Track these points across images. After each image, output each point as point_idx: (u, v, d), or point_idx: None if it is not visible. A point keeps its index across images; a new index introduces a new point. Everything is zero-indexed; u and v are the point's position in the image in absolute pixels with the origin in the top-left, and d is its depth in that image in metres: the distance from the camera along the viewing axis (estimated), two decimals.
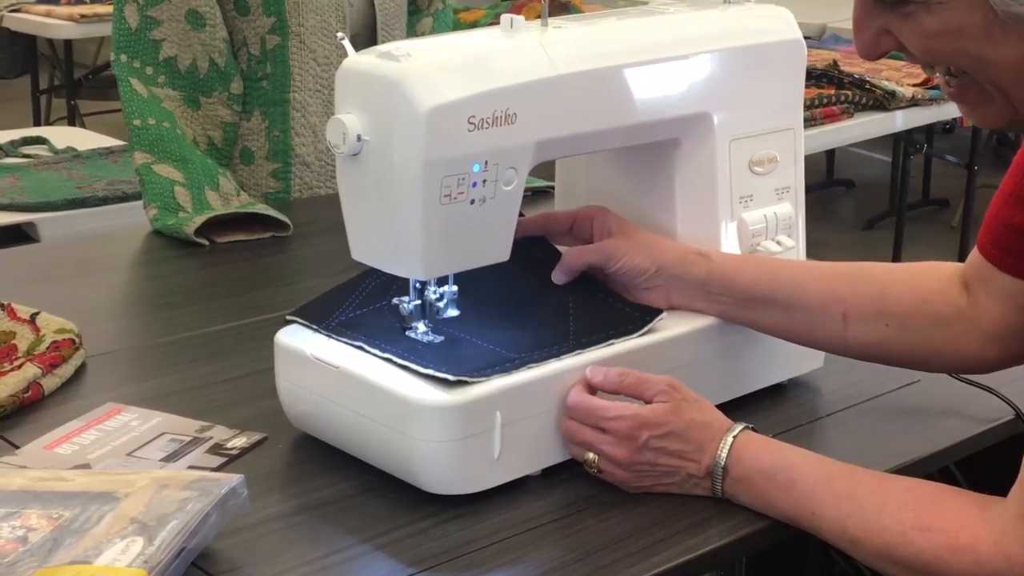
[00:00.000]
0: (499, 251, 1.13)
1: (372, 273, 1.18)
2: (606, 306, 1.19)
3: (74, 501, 0.97)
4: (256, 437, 1.16)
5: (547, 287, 1.21)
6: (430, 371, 1.05)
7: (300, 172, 1.93)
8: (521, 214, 1.18)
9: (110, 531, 0.92)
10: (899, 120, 3.13)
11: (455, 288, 1.13)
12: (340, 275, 1.23)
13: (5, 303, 1.39)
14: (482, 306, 1.17)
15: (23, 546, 0.92)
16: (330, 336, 1.13)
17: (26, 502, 0.97)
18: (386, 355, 1.09)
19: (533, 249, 1.23)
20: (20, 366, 1.25)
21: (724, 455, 1.06)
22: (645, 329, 1.15)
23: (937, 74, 1.00)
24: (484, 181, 1.07)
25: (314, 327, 1.15)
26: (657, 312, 1.18)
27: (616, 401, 1.09)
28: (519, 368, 1.08)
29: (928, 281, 1.16)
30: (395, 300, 1.14)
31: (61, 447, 1.14)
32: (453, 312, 1.14)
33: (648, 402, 1.09)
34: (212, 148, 1.88)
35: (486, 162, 1.06)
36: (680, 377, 1.11)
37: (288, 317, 1.17)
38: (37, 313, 1.37)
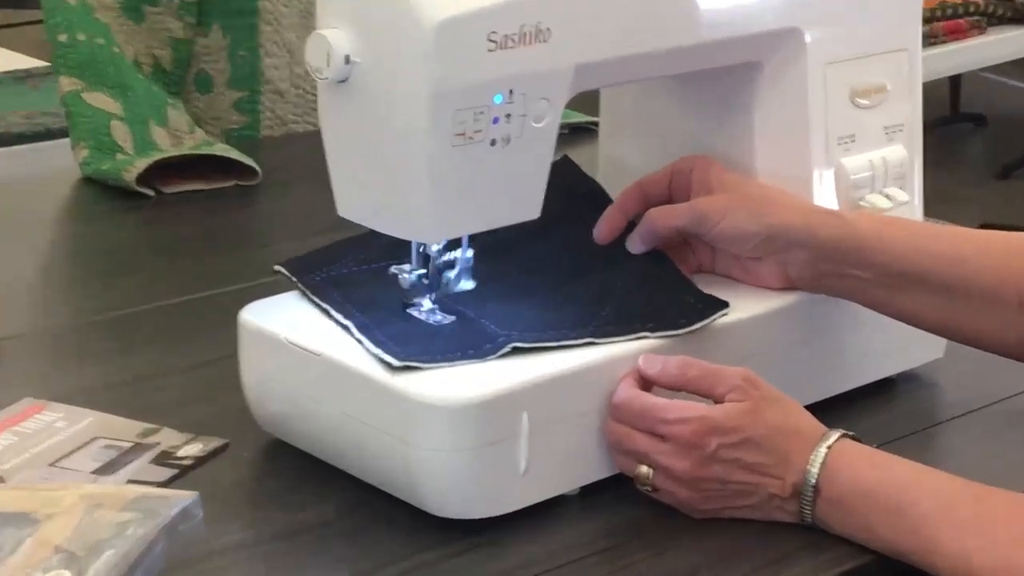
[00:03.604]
0: (527, 207, 1.13)
1: None
2: (661, 288, 1.18)
3: None
4: (214, 443, 1.17)
5: (597, 256, 1.21)
6: (378, 352, 1.07)
7: (271, 103, 1.94)
8: (568, 159, 1.18)
9: (29, 562, 0.93)
10: None
11: (470, 254, 1.14)
12: (324, 235, 1.24)
13: None
14: (506, 278, 1.18)
15: None
16: (304, 293, 1.16)
17: None
18: (346, 323, 1.11)
19: (582, 202, 1.23)
20: None
21: (816, 471, 1.06)
22: (692, 328, 1.14)
23: None
24: (508, 116, 1.07)
25: (294, 279, 1.17)
26: (721, 305, 1.16)
27: (677, 399, 1.09)
28: (496, 352, 1.08)
29: None
30: (393, 269, 1.15)
31: None
32: (467, 284, 1.14)
33: (718, 401, 1.09)
34: (159, 72, 1.89)
35: (511, 91, 1.06)
36: (754, 370, 1.11)
37: (275, 268, 1.20)
38: None
